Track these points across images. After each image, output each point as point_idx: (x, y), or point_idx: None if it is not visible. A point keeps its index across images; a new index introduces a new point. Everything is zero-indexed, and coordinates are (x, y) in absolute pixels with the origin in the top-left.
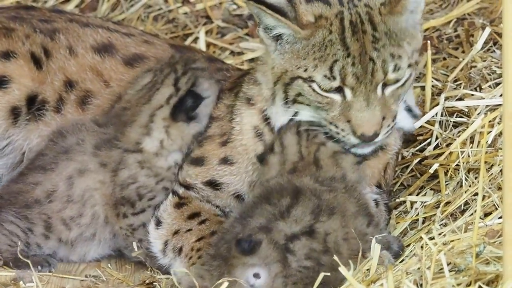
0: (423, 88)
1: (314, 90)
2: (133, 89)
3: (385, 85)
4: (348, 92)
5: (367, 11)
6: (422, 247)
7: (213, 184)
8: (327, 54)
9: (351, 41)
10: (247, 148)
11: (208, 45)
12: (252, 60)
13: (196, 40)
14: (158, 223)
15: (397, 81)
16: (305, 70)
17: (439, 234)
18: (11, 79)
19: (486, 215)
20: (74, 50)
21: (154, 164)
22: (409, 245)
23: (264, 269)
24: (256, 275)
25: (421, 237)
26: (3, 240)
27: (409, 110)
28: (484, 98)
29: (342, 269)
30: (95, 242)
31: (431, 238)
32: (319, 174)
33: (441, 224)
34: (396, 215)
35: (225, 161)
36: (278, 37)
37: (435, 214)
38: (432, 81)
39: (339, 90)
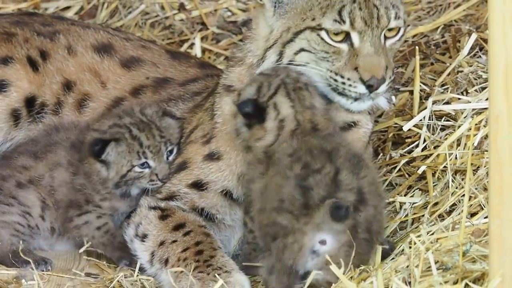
0: (411, 92)
1: (322, 38)
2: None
3: (385, 37)
4: (355, 38)
5: None
6: (410, 246)
7: (198, 185)
8: (334, 1)
9: None
10: (233, 136)
11: (204, 50)
12: None
13: (192, 46)
14: (144, 236)
15: (395, 33)
16: (313, 19)
17: (427, 233)
18: (9, 83)
19: (473, 215)
20: (74, 49)
21: (93, 179)
22: (398, 244)
23: (334, 236)
24: (322, 242)
25: (408, 234)
26: (3, 233)
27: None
28: (470, 102)
29: (333, 267)
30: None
31: (419, 236)
32: (319, 133)
33: (429, 224)
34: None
35: (210, 157)
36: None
37: (423, 215)
38: (420, 86)
39: (346, 39)
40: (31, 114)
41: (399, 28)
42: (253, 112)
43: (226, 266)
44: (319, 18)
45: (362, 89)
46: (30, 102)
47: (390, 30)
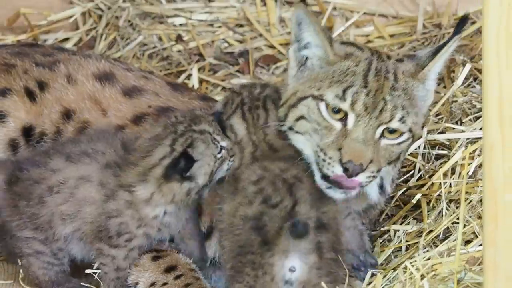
0: None
1: (319, 110)
2: (146, 136)
3: (383, 136)
4: (351, 119)
5: (393, 67)
6: (405, 271)
7: None
8: (345, 79)
9: (372, 79)
10: None
11: (201, 81)
12: None
13: (189, 76)
14: (136, 283)
15: (397, 136)
16: (318, 89)
17: (422, 260)
18: (7, 114)
19: (467, 242)
20: (74, 77)
21: (140, 208)
22: (388, 271)
23: (301, 260)
24: (292, 269)
25: (403, 263)
26: (36, 264)
27: (381, 186)
28: (464, 131)
29: None
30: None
31: (413, 263)
32: (278, 155)
33: (424, 250)
34: (380, 243)
35: None
36: (304, 61)
37: (417, 242)
38: None
39: (342, 119)
40: (30, 144)
41: (402, 133)
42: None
43: None
44: (324, 89)
45: (338, 169)
46: (27, 131)
47: (390, 131)
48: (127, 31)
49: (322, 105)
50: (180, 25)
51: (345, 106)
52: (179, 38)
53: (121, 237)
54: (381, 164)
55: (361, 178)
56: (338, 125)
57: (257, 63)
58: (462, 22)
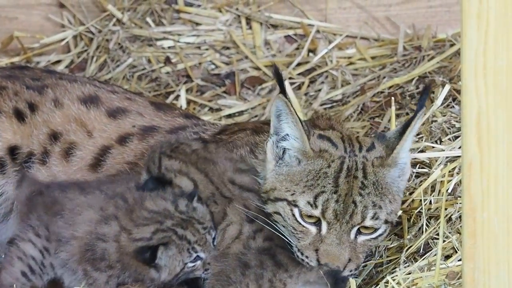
0: None
1: (294, 215)
2: (150, 207)
3: (359, 232)
4: (324, 226)
5: (362, 161)
6: (386, 285)
7: None
8: (317, 183)
9: (342, 181)
10: None
11: (189, 102)
12: (229, 115)
13: (177, 97)
14: None
15: (373, 231)
16: (292, 194)
17: (403, 275)
18: None
19: (447, 257)
20: (60, 101)
21: None
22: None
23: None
24: None
25: (385, 278)
26: (17, 266)
27: None
28: (444, 150)
29: None
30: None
31: (394, 277)
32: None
33: (405, 266)
34: None
35: None
36: (282, 155)
37: (398, 257)
38: None
39: (317, 223)
40: (17, 162)
41: (377, 228)
42: None
43: None
44: (297, 195)
45: (314, 263)
46: (12, 151)
47: (365, 227)
48: (117, 54)
49: (296, 211)
50: (169, 47)
51: (316, 213)
52: (167, 60)
53: (103, 262)
54: (360, 260)
55: (345, 273)
56: (313, 229)
57: (243, 84)
58: (424, 94)
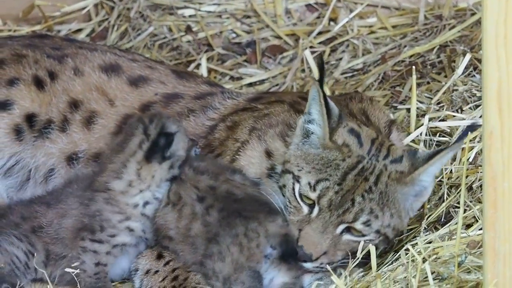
0: (408, 110)
1: (293, 189)
2: (114, 142)
3: (348, 230)
4: (316, 210)
5: (381, 169)
6: (407, 253)
7: None
8: (325, 170)
9: (350, 178)
10: None
11: (210, 71)
12: (250, 84)
13: (198, 66)
14: (136, 270)
15: (360, 234)
16: (299, 170)
17: (424, 244)
18: (13, 102)
19: (468, 226)
20: (81, 70)
21: (118, 200)
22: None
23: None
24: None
25: (403, 244)
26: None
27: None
28: (465, 119)
29: (334, 277)
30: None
31: (414, 245)
32: None
33: (425, 235)
34: None
35: None
36: (307, 134)
37: (418, 226)
38: (416, 104)
39: (311, 206)
40: (35, 129)
41: (366, 234)
42: None
43: (199, 283)
44: (303, 172)
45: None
46: (30, 118)
47: (355, 229)
48: (138, 22)
49: (297, 187)
50: (190, 16)
51: (313, 196)
52: (188, 29)
53: (104, 232)
54: (336, 257)
55: (308, 265)
56: (305, 209)
57: (264, 53)
58: (467, 131)
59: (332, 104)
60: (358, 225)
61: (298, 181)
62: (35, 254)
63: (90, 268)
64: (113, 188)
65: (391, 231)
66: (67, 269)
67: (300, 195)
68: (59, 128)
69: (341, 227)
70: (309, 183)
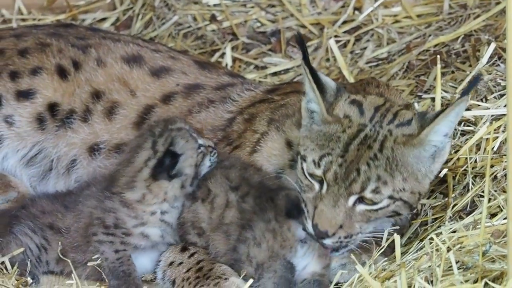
0: (433, 99)
1: (302, 168)
2: (126, 150)
3: (361, 200)
4: (324, 186)
5: (385, 134)
6: (431, 242)
7: None
8: (328, 145)
9: (353, 148)
10: None
11: (234, 60)
12: (275, 73)
13: (223, 55)
14: (159, 261)
15: (372, 203)
16: (305, 149)
17: (448, 233)
18: (36, 91)
19: (492, 216)
20: (103, 61)
21: (135, 207)
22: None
23: None
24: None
25: (428, 234)
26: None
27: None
28: (489, 108)
29: (358, 266)
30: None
31: (439, 234)
32: None
33: (450, 222)
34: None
35: None
36: (311, 115)
37: (443, 216)
38: (441, 93)
39: (321, 181)
40: (57, 119)
41: (382, 200)
42: None
43: (224, 273)
44: (308, 151)
45: (310, 227)
46: (52, 108)
47: (366, 198)
48: (162, 11)
49: (304, 165)
50: (214, 5)
51: (318, 172)
52: (213, 18)
53: (118, 230)
54: (354, 230)
55: (327, 242)
56: (317, 186)
57: (289, 42)
58: (473, 82)
59: (326, 79)
60: (368, 194)
61: (304, 160)
62: (48, 249)
63: (111, 255)
64: (128, 198)
65: (408, 194)
66: (90, 263)
67: (308, 173)
68: (81, 119)
69: (352, 198)
70: (313, 161)
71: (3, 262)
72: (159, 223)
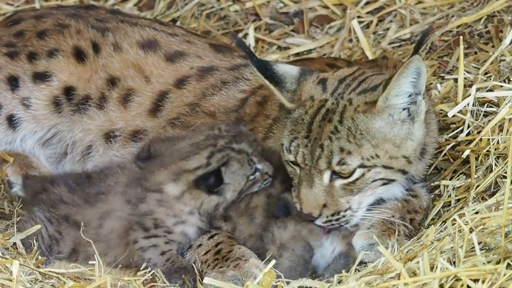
0: (456, 80)
1: (283, 156)
2: (189, 140)
3: (335, 175)
4: (299, 169)
5: (345, 104)
6: (454, 223)
7: None
8: (294, 129)
9: (315, 126)
10: None
11: (257, 40)
12: (297, 54)
13: (245, 36)
14: None
15: (348, 175)
16: (282, 138)
17: (471, 214)
18: (52, 74)
19: None
20: (119, 46)
21: (173, 205)
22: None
23: None
24: None
25: (452, 217)
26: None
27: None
28: None
29: (380, 247)
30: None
31: (461, 216)
32: None
33: (473, 203)
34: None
35: None
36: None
37: (466, 197)
38: (464, 74)
39: (298, 165)
40: (73, 103)
41: (352, 172)
42: None
43: (244, 255)
44: (283, 139)
45: (298, 207)
46: (68, 91)
47: (339, 172)
48: None
49: (282, 153)
50: None
51: (291, 157)
52: None
53: (159, 229)
54: (341, 206)
55: (318, 222)
56: (297, 170)
57: (312, 22)
58: (421, 39)
59: (284, 68)
60: (335, 167)
61: (282, 148)
62: (60, 242)
63: (159, 259)
64: (167, 191)
65: (387, 160)
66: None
67: (285, 160)
68: (96, 105)
69: (326, 175)
70: (286, 148)
71: (14, 243)
72: (198, 223)
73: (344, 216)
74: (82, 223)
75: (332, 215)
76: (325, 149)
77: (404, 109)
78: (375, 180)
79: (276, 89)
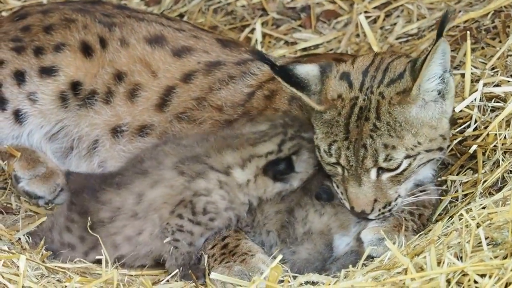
0: (463, 75)
1: (321, 156)
2: (250, 129)
3: (382, 170)
4: (344, 170)
5: (378, 100)
6: (461, 218)
7: None
8: (331, 132)
9: (352, 126)
10: None
11: (264, 35)
12: (304, 49)
13: (252, 31)
14: None
15: (395, 167)
16: (316, 138)
17: (478, 210)
18: (59, 68)
19: None
20: (126, 41)
21: (233, 191)
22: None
23: None
24: None
25: (459, 212)
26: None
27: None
28: None
29: (387, 242)
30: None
31: (468, 211)
32: None
33: (480, 198)
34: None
35: None
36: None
37: (473, 192)
38: (471, 69)
39: (340, 165)
40: (79, 98)
41: (398, 165)
42: None
43: (250, 250)
44: (318, 140)
45: (349, 208)
46: (75, 86)
47: (387, 167)
48: None
49: (319, 155)
50: None
51: (332, 160)
52: None
53: (206, 215)
54: (391, 197)
55: (371, 217)
56: (339, 169)
57: (319, 17)
58: (443, 21)
59: (305, 69)
60: (382, 165)
61: (319, 150)
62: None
63: (184, 248)
64: (234, 175)
65: (428, 144)
66: (166, 241)
67: (326, 163)
68: (103, 100)
69: (373, 172)
70: (324, 151)
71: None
72: (242, 212)
73: (396, 205)
74: (114, 208)
75: (384, 207)
76: (369, 149)
77: (435, 91)
78: (419, 166)
79: (304, 94)
